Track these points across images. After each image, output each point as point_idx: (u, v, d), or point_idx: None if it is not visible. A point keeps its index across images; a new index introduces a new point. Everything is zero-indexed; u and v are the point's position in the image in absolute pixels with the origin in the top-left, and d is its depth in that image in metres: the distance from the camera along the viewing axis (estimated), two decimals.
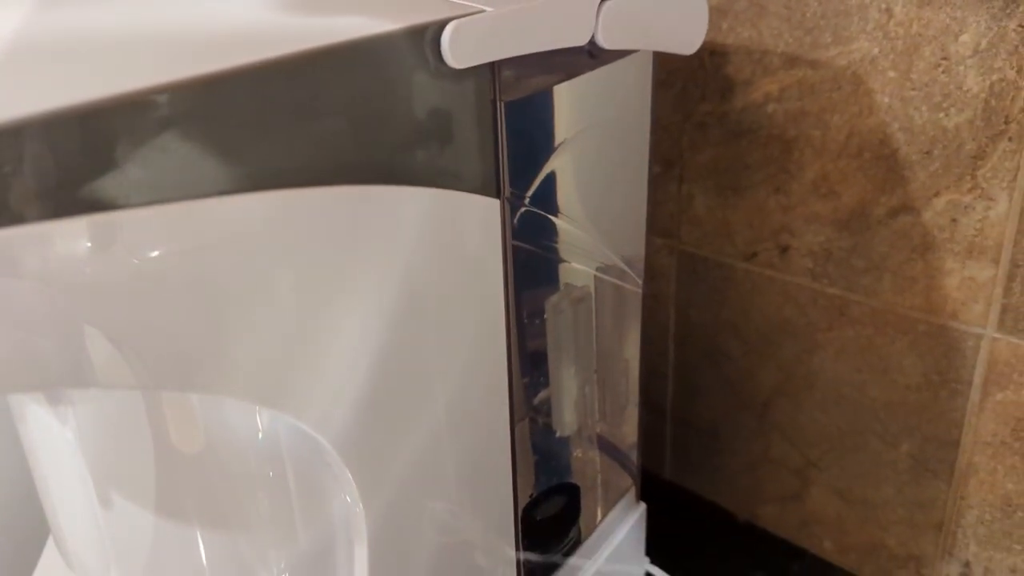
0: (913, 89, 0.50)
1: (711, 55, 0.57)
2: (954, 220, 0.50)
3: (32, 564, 0.48)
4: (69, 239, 0.25)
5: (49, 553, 0.47)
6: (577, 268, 0.46)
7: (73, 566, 0.44)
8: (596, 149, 0.42)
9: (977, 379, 0.53)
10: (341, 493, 0.34)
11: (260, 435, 0.33)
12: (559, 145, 0.40)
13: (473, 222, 0.35)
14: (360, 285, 0.32)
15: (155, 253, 0.27)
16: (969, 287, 0.51)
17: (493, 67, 0.34)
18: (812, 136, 0.55)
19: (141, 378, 0.28)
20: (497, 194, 0.36)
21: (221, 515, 0.35)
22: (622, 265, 0.48)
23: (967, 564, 0.58)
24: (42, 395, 0.36)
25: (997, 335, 0.51)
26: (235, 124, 0.27)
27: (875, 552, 0.62)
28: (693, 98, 0.60)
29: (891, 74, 0.50)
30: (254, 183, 0.28)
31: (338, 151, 0.30)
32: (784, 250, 0.59)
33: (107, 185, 0.24)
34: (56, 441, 0.37)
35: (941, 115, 0.49)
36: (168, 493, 0.35)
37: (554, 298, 0.45)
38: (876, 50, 0.50)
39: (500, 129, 0.35)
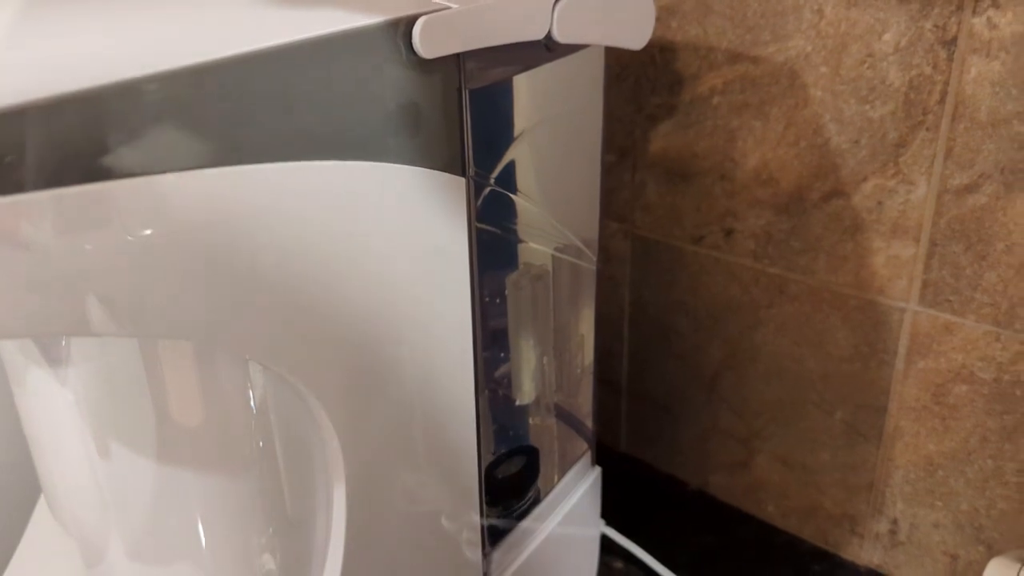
0: (842, 83, 0.54)
1: (661, 51, 0.62)
2: (880, 203, 0.55)
3: (21, 526, 0.51)
4: (68, 206, 0.28)
5: (40, 514, 0.50)
6: (536, 247, 0.50)
7: (68, 526, 0.47)
8: (553, 135, 0.46)
9: (902, 349, 0.58)
10: (324, 444, 0.37)
11: (251, 388, 0.36)
12: (519, 131, 0.43)
13: (441, 198, 0.39)
14: (337, 253, 0.35)
15: (146, 223, 0.30)
16: (894, 264, 0.56)
17: (459, 58, 0.37)
18: (753, 127, 0.59)
19: (131, 330, 0.31)
20: (463, 172, 0.39)
21: (215, 467, 0.38)
22: (578, 244, 0.52)
23: (895, 521, 0.63)
24: (42, 357, 0.39)
25: (919, 308, 0.56)
26: (225, 106, 0.30)
27: (813, 513, 0.67)
28: (645, 91, 0.64)
29: (823, 69, 0.55)
30: (239, 157, 0.31)
31: (319, 130, 0.33)
32: (729, 233, 0.63)
33: (103, 159, 0.28)
34: (55, 402, 0.40)
35: (867, 107, 0.54)
36: (166, 447, 0.38)
37: (514, 275, 0.49)
38: (810, 47, 0.55)
39: (464, 114, 0.38)
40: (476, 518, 0.48)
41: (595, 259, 0.54)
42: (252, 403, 0.37)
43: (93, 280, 0.29)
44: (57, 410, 0.41)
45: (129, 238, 0.29)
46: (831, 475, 0.65)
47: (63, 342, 0.38)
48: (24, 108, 0.26)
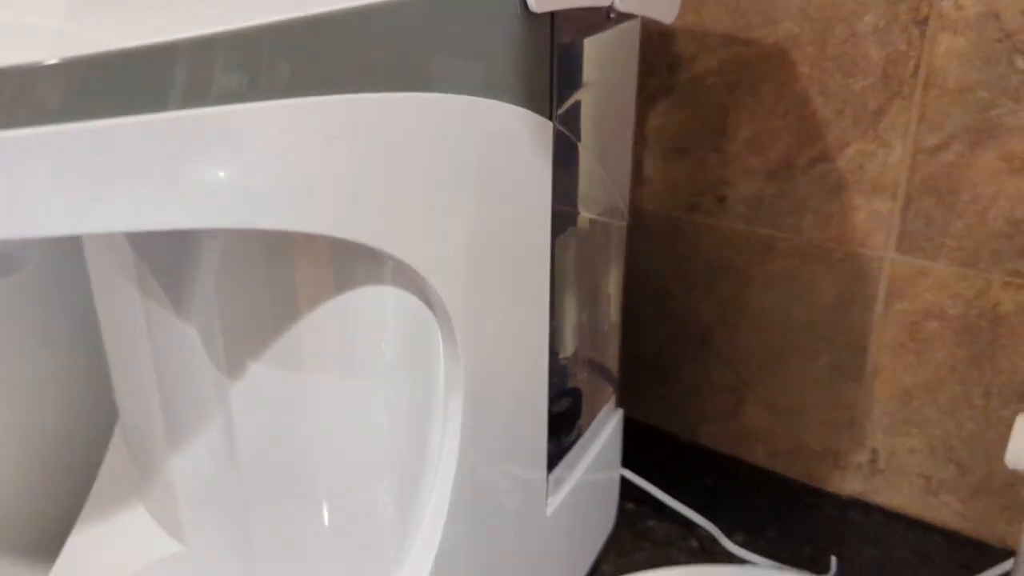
0: (828, 60, 0.62)
1: (660, 36, 0.69)
2: (861, 165, 0.64)
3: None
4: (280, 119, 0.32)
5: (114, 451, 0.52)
6: (585, 203, 0.55)
7: (158, 467, 0.48)
8: (605, 93, 0.52)
9: (881, 294, 0.66)
10: (445, 350, 0.42)
11: (380, 293, 0.40)
12: (584, 86, 0.49)
13: (532, 135, 0.44)
14: (459, 169, 0.40)
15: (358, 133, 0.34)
16: (873, 219, 0.64)
17: (553, 16, 0.43)
18: (746, 103, 0.67)
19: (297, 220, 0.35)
20: (550, 116, 0.45)
21: (342, 367, 0.41)
22: (617, 200, 0.58)
23: (874, 451, 0.71)
24: (165, 295, 0.42)
25: (896, 256, 0.64)
26: (385, 44, 0.35)
27: (799, 453, 0.75)
28: (643, 74, 0.71)
29: (810, 49, 0.63)
30: (388, 85, 0.35)
31: (446, 68, 0.38)
32: (721, 200, 0.71)
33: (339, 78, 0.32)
34: (174, 340, 0.43)
35: (850, 80, 0.62)
36: (291, 348, 0.41)
37: (564, 234, 0.54)
38: (798, 30, 0.63)
39: (554, 65, 0.44)
40: (543, 440, 0.53)
41: (627, 216, 0.60)
42: (381, 314, 0.41)
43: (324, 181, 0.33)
44: (176, 343, 0.43)
45: (350, 146, 0.34)
46: (815, 415, 0.72)
47: (191, 278, 0.41)
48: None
